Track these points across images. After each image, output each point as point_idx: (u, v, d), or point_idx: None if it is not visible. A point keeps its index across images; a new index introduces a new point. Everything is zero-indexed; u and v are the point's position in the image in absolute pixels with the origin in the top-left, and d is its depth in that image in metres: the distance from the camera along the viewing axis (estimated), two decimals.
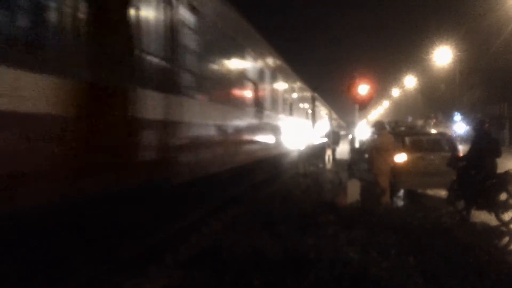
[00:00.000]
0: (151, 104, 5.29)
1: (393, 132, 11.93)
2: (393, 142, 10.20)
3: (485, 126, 9.11)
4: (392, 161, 10.05)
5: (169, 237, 6.06)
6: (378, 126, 10.34)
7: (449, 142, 12.02)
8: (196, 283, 4.77)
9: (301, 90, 20.40)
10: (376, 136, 10.98)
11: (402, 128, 14.36)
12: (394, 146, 10.15)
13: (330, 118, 39.56)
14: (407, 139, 11.72)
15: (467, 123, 39.02)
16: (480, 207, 8.81)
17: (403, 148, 11.21)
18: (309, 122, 23.38)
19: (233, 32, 9.08)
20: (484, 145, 8.83)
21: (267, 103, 12.28)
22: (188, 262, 5.47)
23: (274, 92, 13.43)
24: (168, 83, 5.75)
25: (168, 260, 5.62)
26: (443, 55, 46.29)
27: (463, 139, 30.73)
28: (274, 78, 13.57)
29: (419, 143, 11.89)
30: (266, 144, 12.01)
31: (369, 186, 10.51)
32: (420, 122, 30.18)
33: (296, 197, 9.94)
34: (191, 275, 4.95)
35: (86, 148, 4.12)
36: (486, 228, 8.17)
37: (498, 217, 8.48)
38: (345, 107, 57.10)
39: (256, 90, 10.91)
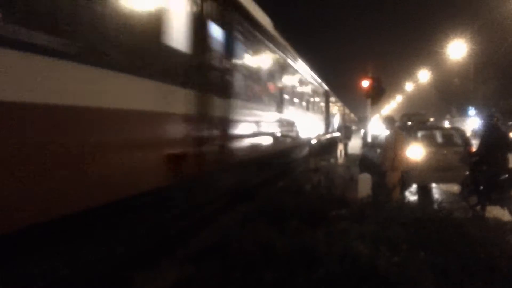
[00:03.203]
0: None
1: (405, 127, 11.83)
2: (405, 137, 10.10)
3: (495, 120, 9.00)
4: (404, 156, 9.96)
5: (179, 231, 6.10)
6: (388, 121, 10.15)
7: (462, 137, 11.90)
8: (205, 278, 4.80)
9: (314, 84, 20.32)
10: (387, 131, 10.88)
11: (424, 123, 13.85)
12: (405, 141, 10.05)
13: (343, 113, 39.38)
14: (419, 134, 11.61)
15: (481, 118, 38.52)
16: (493, 203, 8.73)
17: (415, 142, 11.12)
18: (322, 116, 23.29)
19: (278, 50, 11.53)
20: (494, 139, 8.73)
21: (285, 100, 12.34)
22: (197, 256, 5.51)
23: (291, 88, 13.47)
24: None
25: (178, 254, 5.67)
26: (457, 49, 45.60)
27: (477, 134, 30.34)
28: (294, 76, 13.67)
29: (431, 137, 11.78)
30: (281, 138, 12.02)
31: (381, 181, 10.44)
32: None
33: (307, 192, 9.92)
34: (201, 269, 4.98)
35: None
36: (498, 224, 8.08)
37: (511, 213, 8.40)
38: (357, 102, 56.68)
39: (277, 88, 11.44)
